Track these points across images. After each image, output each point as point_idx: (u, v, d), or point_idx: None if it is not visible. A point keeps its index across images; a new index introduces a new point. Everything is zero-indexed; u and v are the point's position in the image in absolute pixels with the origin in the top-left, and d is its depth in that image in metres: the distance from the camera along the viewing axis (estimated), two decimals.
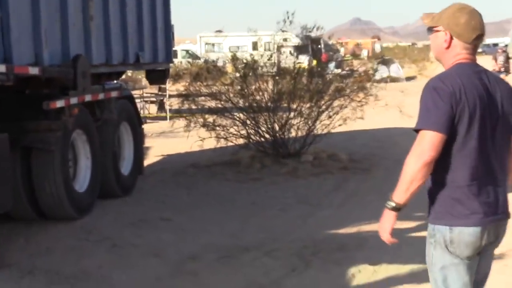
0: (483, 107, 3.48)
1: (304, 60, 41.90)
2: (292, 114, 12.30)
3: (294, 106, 12.44)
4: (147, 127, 15.34)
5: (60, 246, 7.64)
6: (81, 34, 9.10)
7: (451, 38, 3.58)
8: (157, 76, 12.78)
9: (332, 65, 29.71)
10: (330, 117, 12.36)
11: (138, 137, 10.98)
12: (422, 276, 5.29)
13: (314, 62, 42.59)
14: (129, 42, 10.54)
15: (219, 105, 12.60)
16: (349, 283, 6.25)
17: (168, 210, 9.29)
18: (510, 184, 3.78)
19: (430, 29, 3.72)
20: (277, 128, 12.12)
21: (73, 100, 8.41)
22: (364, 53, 61.53)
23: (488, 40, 54.24)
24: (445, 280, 3.58)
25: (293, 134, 12.24)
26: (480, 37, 3.64)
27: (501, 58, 25.02)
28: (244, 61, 12.74)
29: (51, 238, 7.94)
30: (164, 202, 9.75)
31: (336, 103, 12.39)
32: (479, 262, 3.69)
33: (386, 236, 3.51)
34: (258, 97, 12.41)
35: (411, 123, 3.54)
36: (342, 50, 53.40)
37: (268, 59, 13.24)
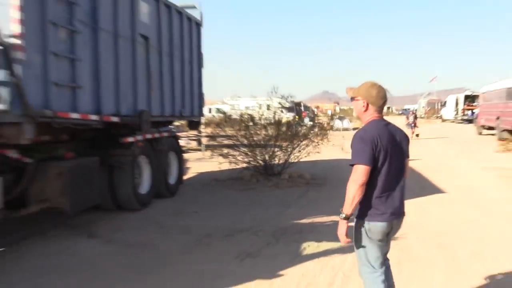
0: (391, 146, 3.57)
1: (290, 116, 41.85)
2: (276, 149, 12.24)
3: (278, 144, 12.39)
4: (189, 155, 15.37)
5: (128, 226, 7.63)
6: (145, 96, 8.93)
7: (367, 104, 3.65)
8: (194, 124, 12.65)
9: (307, 119, 29.75)
10: (299, 151, 12.23)
11: (181, 161, 10.85)
12: (348, 250, 5.50)
13: (297, 117, 42.58)
14: (175, 103, 10.38)
15: (231, 142, 12.59)
16: (302, 252, 6.18)
17: (197, 206, 9.14)
18: (407, 177, 3.80)
19: (352, 98, 3.73)
20: (267, 157, 11.93)
21: (139, 137, 8.40)
22: (329, 112, 61.10)
23: (405, 106, 54.17)
24: (366, 255, 3.65)
25: (276, 161, 12.06)
26: (384, 102, 3.72)
27: (411, 118, 25.67)
28: (246, 116, 12.69)
29: (123, 221, 7.93)
30: (195, 202, 9.62)
31: (303, 143, 12.33)
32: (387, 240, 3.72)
33: (342, 239, 3.52)
34: (255, 138, 12.37)
35: (348, 156, 3.62)
36: (315, 110, 53.55)
37: (262, 115, 13.12)
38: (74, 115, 6.53)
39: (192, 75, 11.40)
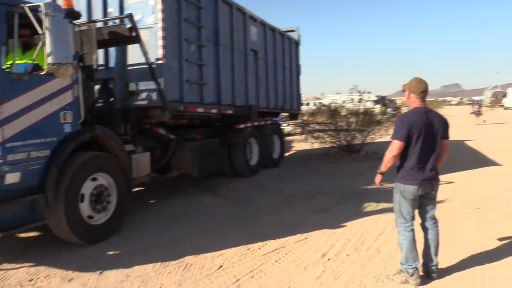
0: (426, 129, 3.54)
1: (376, 107, 40.29)
2: (356, 133, 12.02)
3: (358, 128, 12.03)
4: (293, 138, 15.63)
5: (240, 187, 7.89)
6: (254, 93, 9.07)
7: (409, 93, 3.65)
8: (293, 116, 12.53)
9: (389, 109, 28.34)
10: (373, 133, 11.93)
11: (282, 141, 10.87)
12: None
13: (382, 108, 40.91)
14: (278, 99, 10.40)
15: (322, 128, 12.54)
16: (363, 210, 6.15)
17: (292, 174, 9.24)
18: (440, 164, 3.77)
19: (403, 91, 3.72)
20: (349, 138, 11.97)
21: (248, 124, 8.67)
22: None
23: (473, 97, 49.88)
24: (400, 209, 3.70)
25: (356, 141, 12.01)
26: (423, 92, 3.62)
27: (476, 107, 23.39)
28: (332, 108, 12.61)
29: (236, 184, 8.17)
30: (291, 171, 9.67)
31: (377, 127, 11.90)
32: (423, 202, 3.71)
33: (377, 182, 3.78)
34: (341, 124, 12.29)
35: None
36: (398, 103, 50.91)
37: (343, 107, 12.97)
38: (200, 109, 7.05)
39: (291, 79, 11.45)
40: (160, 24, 5.95)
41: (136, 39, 5.56)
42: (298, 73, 11.94)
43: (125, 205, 5.34)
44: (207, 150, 7.38)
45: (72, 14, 4.95)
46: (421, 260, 3.74)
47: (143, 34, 5.80)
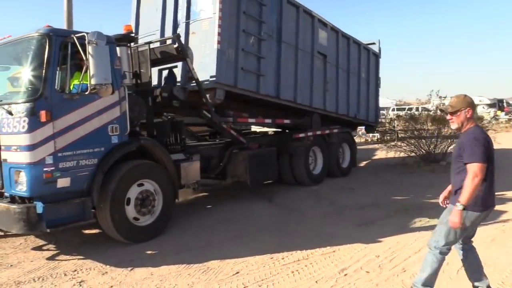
0: (492, 150, 3.29)
1: (490, 111, 36.55)
2: (440, 140, 11.26)
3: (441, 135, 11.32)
4: (374, 146, 15.08)
5: (296, 196, 7.89)
6: (320, 96, 9.12)
7: (472, 111, 3.32)
8: (370, 128, 12.38)
9: (503, 114, 25.31)
10: None
11: (353, 150, 10.64)
12: None
13: (499, 112, 36.89)
14: (350, 107, 10.29)
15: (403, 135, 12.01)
16: (410, 225, 5.91)
17: (358, 184, 9.09)
18: None
19: (453, 113, 3.37)
20: (431, 147, 11.23)
21: (309, 133, 8.76)
22: None
23: None
24: (450, 235, 3.30)
25: (438, 150, 11.20)
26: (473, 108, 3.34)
27: None
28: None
29: (294, 193, 8.17)
30: (358, 181, 9.49)
31: None
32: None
33: (456, 226, 3.17)
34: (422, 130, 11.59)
35: None
36: None
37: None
38: (251, 120, 7.37)
39: (368, 90, 11.20)
40: (218, 14, 6.44)
41: (182, 57, 6.07)
42: (377, 85, 11.71)
43: (170, 209, 5.84)
44: (261, 159, 7.63)
45: (128, 38, 5.66)
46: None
47: (204, 25, 6.48)
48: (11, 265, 4.80)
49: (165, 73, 7.12)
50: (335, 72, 9.69)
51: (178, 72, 6.84)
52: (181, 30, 6.95)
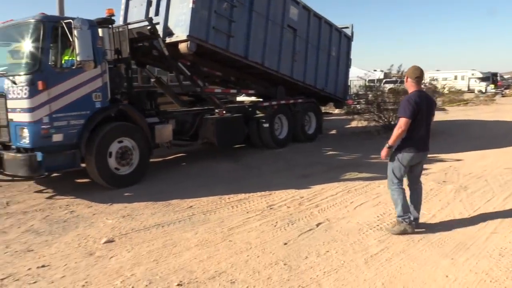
0: (425, 108, 4.35)
1: (483, 85, 37.35)
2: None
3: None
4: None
5: (259, 157, 9.14)
6: (289, 65, 10.05)
7: (407, 78, 4.47)
8: (339, 104, 13.13)
9: (491, 88, 26.32)
10: None
11: (319, 118, 11.64)
12: (366, 181, 6.79)
13: (492, 86, 37.64)
14: (318, 79, 11.13)
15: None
16: (338, 177, 7.14)
17: (317, 148, 10.24)
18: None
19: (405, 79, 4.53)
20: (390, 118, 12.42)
21: (273, 102, 9.96)
22: None
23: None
24: (398, 172, 4.49)
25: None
26: (418, 77, 4.41)
27: None
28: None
29: (260, 154, 9.41)
30: (319, 145, 10.59)
31: None
32: (416, 168, 4.59)
33: (383, 157, 4.42)
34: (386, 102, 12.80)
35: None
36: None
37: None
38: (217, 90, 8.67)
39: (338, 68, 12.08)
40: None
41: (154, 36, 7.34)
42: (347, 65, 12.59)
43: (145, 163, 7.22)
44: (227, 124, 8.94)
45: (108, 21, 6.91)
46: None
47: None
48: (18, 202, 6.24)
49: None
50: (304, 46, 10.64)
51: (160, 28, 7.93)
52: None
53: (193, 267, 3.89)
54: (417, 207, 4.69)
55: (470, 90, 35.17)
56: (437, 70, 43.83)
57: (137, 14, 8.49)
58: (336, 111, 14.94)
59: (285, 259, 4.02)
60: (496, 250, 4.11)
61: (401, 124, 4.28)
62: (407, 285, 3.46)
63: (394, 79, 33.66)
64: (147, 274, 3.76)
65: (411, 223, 4.53)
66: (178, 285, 3.54)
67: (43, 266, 3.99)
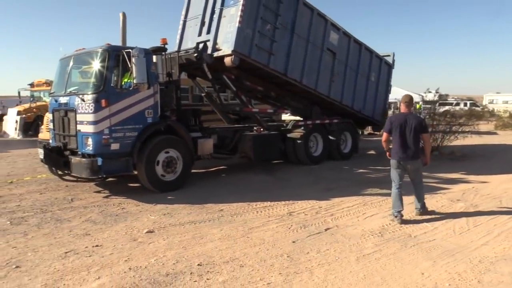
0: (402, 125, 5.84)
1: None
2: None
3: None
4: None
5: (293, 171, 9.92)
6: (326, 85, 10.69)
7: (399, 103, 6.29)
8: (376, 127, 13.74)
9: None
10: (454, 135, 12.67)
11: (355, 138, 12.26)
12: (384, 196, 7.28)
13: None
14: (355, 101, 11.77)
15: None
16: (361, 192, 7.73)
17: (349, 166, 10.77)
18: (427, 153, 6.05)
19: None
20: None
21: (308, 122, 10.77)
22: None
23: None
24: (391, 175, 6.17)
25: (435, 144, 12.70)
26: (407, 103, 6.00)
27: None
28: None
29: (293, 169, 10.20)
30: (353, 164, 11.08)
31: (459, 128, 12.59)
32: (409, 173, 6.07)
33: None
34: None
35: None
36: None
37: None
38: (255, 110, 9.66)
39: (377, 93, 12.68)
40: (242, 2, 8.64)
41: (200, 62, 8.50)
42: (387, 91, 13.15)
43: (188, 172, 8.29)
44: (263, 140, 9.91)
45: (162, 49, 8.14)
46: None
47: (232, 11, 8.79)
48: (80, 199, 7.50)
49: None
50: (343, 69, 11.31)
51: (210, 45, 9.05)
52: (216, 14, 9.20)
53: (213, 253, 4.79)
54: (418, 199, 6.28)
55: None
56: (497, 93, 42.43)
57: (192, 33, 9.77)
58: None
59: (289, 253, 4.81)
60: (478, 257, 4.64)
61: (383, 136, 6.17)
62: (384, 277, 4.13)
63: (452, 100, 33.06)
64: (176, 256, 4.71)
65: (397, 216, 5.92)
66: (198, 264, 4.45)
67: (97, 245, 5.07)
